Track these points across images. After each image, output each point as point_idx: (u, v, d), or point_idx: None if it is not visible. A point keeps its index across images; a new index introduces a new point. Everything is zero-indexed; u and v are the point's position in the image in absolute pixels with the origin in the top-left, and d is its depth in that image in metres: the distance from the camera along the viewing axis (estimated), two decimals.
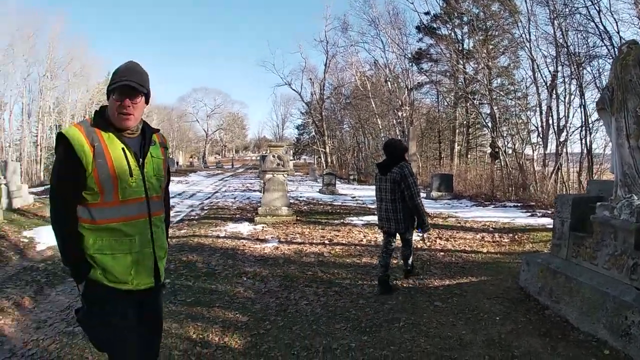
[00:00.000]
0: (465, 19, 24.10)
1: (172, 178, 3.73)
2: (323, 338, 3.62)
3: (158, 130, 2.24)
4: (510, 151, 18.10)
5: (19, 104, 36.07)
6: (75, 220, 1.94)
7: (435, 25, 27.31)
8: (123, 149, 1.96)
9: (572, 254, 4.13)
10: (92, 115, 2.05)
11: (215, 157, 73.27)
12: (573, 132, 15.03)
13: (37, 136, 37.08)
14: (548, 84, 15.74)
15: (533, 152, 17.07)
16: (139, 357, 2.10)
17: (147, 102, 2.09)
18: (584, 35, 13.98)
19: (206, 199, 16.02)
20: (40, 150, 36.12)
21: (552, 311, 4.02)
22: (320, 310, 4.29)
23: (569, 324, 3.74)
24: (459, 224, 9.36)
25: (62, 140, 1.90)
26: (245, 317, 4.11)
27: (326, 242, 7.64)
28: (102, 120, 2.00)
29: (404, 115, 27.41)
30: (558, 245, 4.37)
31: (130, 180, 1.95)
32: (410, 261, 5.37)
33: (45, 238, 7.90)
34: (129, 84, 1.93)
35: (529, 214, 10.66)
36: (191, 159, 58.45)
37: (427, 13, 27.58)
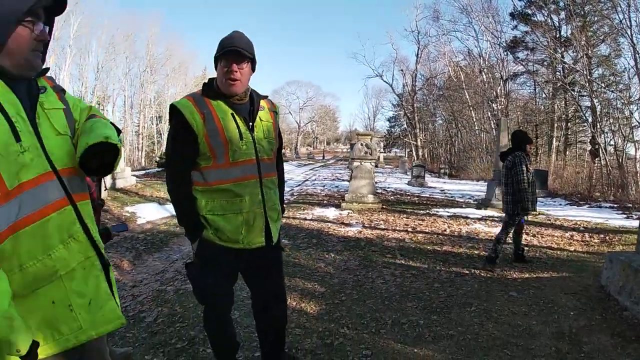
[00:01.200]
0: (561, 3, 22.42)
1: None
2: (393, 313, 3.83)
3: (266, 96, 2.32)
4: (611, 149, 16.57)
5: (122, 96, 40.13)
6: (189, 183, 2.12)
7: (530, 12, 25.70)
8: (232, 114, 2.08)
9: None
10: (202, 87, 2.19)
11: (307, 149, 75.22)
12: None
13: (138, 126, 41.19)
14: None
15: (636, 151, 15.49)
16: (264, 308, 2.45)
17: (253, 69, 2.16)
18: None
19: (296, 186, 16.72)
20: (142, 139, 39.87)
21: (630, 312, 3.85)
22: (394, 289, 4.49)
23: None
24: (548, 221, 8.96)
25: (174, 111, 2.06)
26: (322, 288, 4.43)
27: (409, 229, 7.77)
28: (211, 90, 2.12)
29: (499, 107, 26.21)
30: None
31: (240, 143, 2.07)
32: (519, 245, 5.82)
33: (145, 213, 8.96)
34: (234, 48, 2.00)
35: (625, 215, 9.90)
36: (284, 150, 60.51)
37: None
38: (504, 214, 5.75)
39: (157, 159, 25.68)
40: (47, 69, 1.47)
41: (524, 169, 5.24)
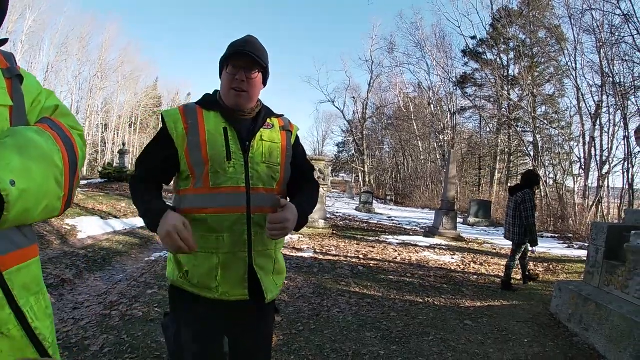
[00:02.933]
0: (511, 44, 24.04)
1: None
2: (353, 344, 3.78)
3: (281, 115, 1.90)
4: (551, 182, 17.75)
5: (68, 100, 38.45)
6: (153, 189, 1.71)
7: (481, 50, 27.40)
8: (225, 128, 1.66)
9: (605, 282, 4.15)
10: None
11: None
12: (616, 164, 14.68)
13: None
14: (592, 114, 15.45)
15: (574, 184, 16.69)
16: None
17: (264, 83, 1.81)
18: (630, 65, 13.75)
19: None
20: (86, 147, 38.35)
21: (580, 338, 4.05)
22: (351, 318, 4.45)
23: (595, 351, 3.77)
24: (494, 250, 9.35)
25: (162, 120, 1.70)
26: (278, 317, 4.33)
27: (361, 256, 7.80)
28: (210, 99, 1.76)
29: (446, 139, 27.37)
30: (591, 273, 4.39)
31: (226, 164, 1.62)
32: (526, 269, 6.58)
33: (86, 227, 8.49)
34: (246, 52, 1.65)
35: (566, 245, 10.54)
36: None
37: (473, 37, 27.77)
38: (452, 243, 6.37)
39: (100, 168, 24.39)
40: (5, 40, 1.01)
41: (532, 205, 5.96)
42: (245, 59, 1.66)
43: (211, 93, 1.81)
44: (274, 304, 1.86)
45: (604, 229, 4.35)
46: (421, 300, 5.21)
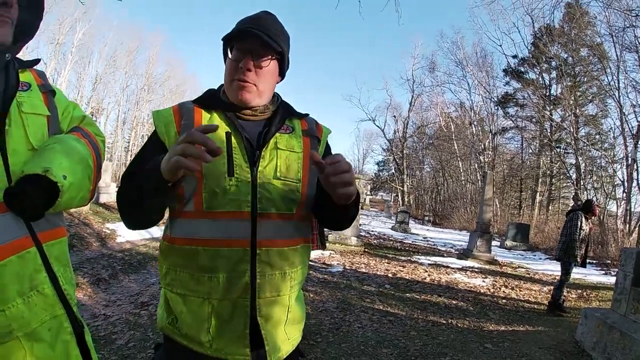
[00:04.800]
0: (553, 63, 23.44)
1: None
2: (368, 358, 3.82)
3: (306, 114, 1.46)
4: None
5: (116, 111, 40.34)
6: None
7: (522, 69, 26.86)
8: (228, 133, 1.23)
9: (631, 310, 4.01)
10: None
11: None
12: None
13: (128, 142, 41.26)
14: (634, 135, 14.83)
15: (617, 208, 15.95)
16: None
17: (281, 74, 1.39)
18: None
19: None
20: (130, 156, 40.05)
21: None
22: (371, 334, 4.48)
23: None
24: (527, 275, 9.10)
25: (154, 122, 1.35)
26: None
27: (390, 275, 7.78)
28: (210, 96, 1.38)
29: (486, 159, 26.82)
30: (618, 301, 4.24)
31: (226, 181, 1.21)
32: (559, 294, 6.32)
33: (125, 232, 8.92)
34: (253, 31, 1.25)
35: (603, 272, 10.12)
36: None
37: (514, 56, 27.31)
38: (485, 265, 6.36)
39: None
40: (37, 60, 1.16)
41: (579, 224, 6.26)
42: (252, 41, 1.26)
43: (216, 88, 1.42)
44: (297, 353, 1.44)
45: (632, 255, 4.21)
46: (444, 322, 5.16)
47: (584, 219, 6.31)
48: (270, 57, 1.28)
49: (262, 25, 1.27)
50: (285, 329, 1.31)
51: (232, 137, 1.23)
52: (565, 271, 6.37)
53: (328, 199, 1.22)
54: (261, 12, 1.36)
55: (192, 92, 47.36)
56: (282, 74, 1.39)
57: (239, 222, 1.20)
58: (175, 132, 1.26)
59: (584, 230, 6.26)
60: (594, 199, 17.43)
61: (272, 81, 1.34)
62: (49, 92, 1.16)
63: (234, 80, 1.27)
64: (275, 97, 1.41)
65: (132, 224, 1.26)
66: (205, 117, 1.29)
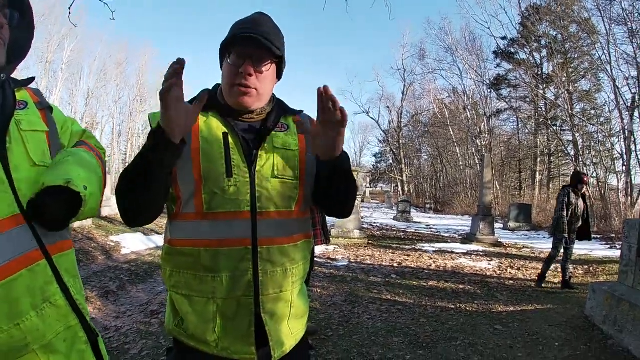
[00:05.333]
0: (543, 42, 23.43)
1: None
2: (380, 348, 3.84)
3: (300, 111, 1.47)
4: (593, 181, 17.09)
5: (110, 124, 40.37)
6: None
7: (512, 50, 26.80)
8: (226, 134, 1.27)
9: (639, 281, 4.02)
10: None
11: None
12: None
13: (125, 154, 41.30)
14: (629, 107, 14.89)
15: (618, 182, 16.00)
16: None
17: (279, 75, 1.39)
18: None
19: None
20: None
21: (614, 341, 3.94)
22: (380, 324, 4.50)
23: (630, 354, 3.67)
24: (532, 255, 9.14)
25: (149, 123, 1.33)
26: (309, 323, 4.43)
27: (395, 265, 7.81)
28: (210, 98, 1.28)
29: (483, 143, 26.85)
30: (625, 273, 4.27)
31: (225, 182, 1.23)
32: (545, 268, 6.54)
33: (130, 243, 8.92)
34: (254, 36, 1.24)
35: (609, 246, 10.16)
36: None
37: (504, 38, 27.28)
38: (490, 248, 6.44)
39: None
40: (32, 79, 1.18)
41: (565, 200, 6.23)
42: (253, 46, 1.26)
43: (210, 88, 1.39)
44: (305, 345, 1.50)
45: (636, 226, 4.23)
46: (453, 306, 5.19)
47: (572, 193, 6.29)
48: (270, 61, 1.29)
49: (261, 29, 1.28)
50: (289, 324, 1.34)
51: (230, 138, 1.27)
52: (554, 247, 6.43)
53: (322, 169, 1.30)
54: (256, 14, 1.36)
55: (186, 98, 47.23)
56: (279, 76, 1.40)
57: (239, 222, 1.23)
58: None
59: (572, 204, 6.24)
60: (595, 173, 17.50)
61: (272, 84, 1.35)
62: (46, 109, 1.19)
63: (235, 86, 1.27)
64: (272, 98, 1.41)
65: (133, 212, 1.23)
66: (201, 118, 1.29)
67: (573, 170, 17.52)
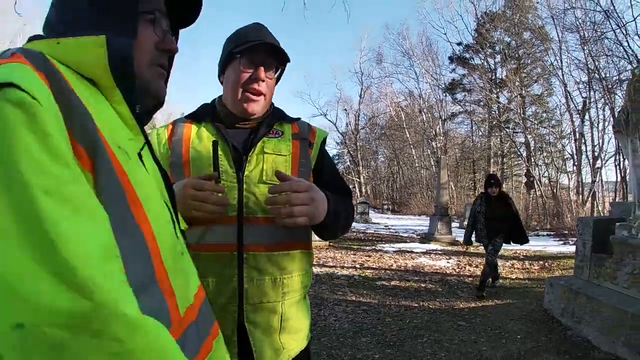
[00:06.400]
0: (497, 48, 24.36)
1: None
2: (349, 349, 3.83)
3: (297, 119, 1.44)
4: (545, 180, 17.95)
5: None
6: None
7: (467, 55, 27.64)
8: (215, 142, 1.25)
9: (594, 274, 4.23)
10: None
11: None
12: (607, 159, 14.91)
13: None
14: (580, 111, 15.77)
15: (569, 181, 16.88)
16: None
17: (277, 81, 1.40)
18: (614, 60, 14.08)
19: None
20: None
21: (573, 331, 4.10)
22: (347, 325, 4.49)
23: (589, 343, 3.82)
24: None
25: None
26: None
27: (357, 266, 7.84)
28: (202, 109, 1.40)
29: (438, 145, 27.54)
30: (580, 267, 4.47)
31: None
32: (483, 277, 5.97)
33: None
34: (268, 42, 1.26)
35: (562, 242, 10.64)
36: None
37: (459, 43, 28.03)
38: (448, 247, 6.58)
39: None
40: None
41: (474, 208, 6.10)
42: (265, 53, 1.28)
43: (209, 102, 1.43)
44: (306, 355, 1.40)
45: (589, 223, 4.43)
46: (416, 305, 5.26)
47: (483, 199, 6.03)
48: (277, 68, 1.33)
49: (269, 37, 1.30)
50: (280, 338, 1.27)
51: (219, 145, 1.25)
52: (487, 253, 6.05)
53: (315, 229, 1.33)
54: (256, 24, 1.37)
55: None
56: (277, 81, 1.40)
57: (226, 227, 1.22)
58: (167, 149, 1.31)
59: (482, 212, 5.95)
60: (547, 173, 18.33)
61: (272, 93, 1.37)
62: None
63: (247, 91, 1.27)
64: (271, 105, 1.41)
65: None
66: (193, 130, 1.32)
67: (531, 173, 18.37)
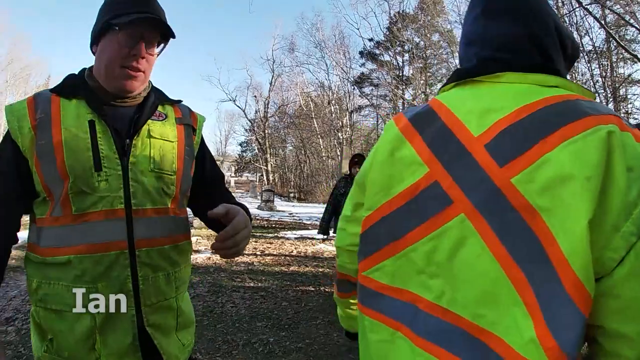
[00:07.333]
0: (406, 47, 25.65)
1: None
2: (244, 334, 3.95)
3: (179, 101, 1.34)
4: None
5: None
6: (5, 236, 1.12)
7: (377, 52, 28.84)
8: (92, 122, 1.10)
9: None
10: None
11: None
12: None
13: None
14: None
15: None
16: None
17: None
18: None
19: None
20: None
21: None
22: (244, 311, 4.61)
23: None
24: None
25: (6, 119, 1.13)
26: None
27: (257, 253, 7.97)
28: (71, 82, 1.19)
29: (345, 136, 28.42)
30: None
31: (94, 177, 1.08)
32: None
33: None
34: (151, 17, 1.13)
35: None
36: None
37: (370, 39, 29.14)
38: None
39: None
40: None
41: (335, 191, 5.56)
42: (148, 27, 1.14)
43: (76, 73, 1.23)
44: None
45: None
46: (313, 289, 5.51)
47: (349, 180, 5.35)
48: (159, 42, 1.20)
49: (155, 9, 1.16)
50: (178, 335, 1.22)
51: (97, 126, 1.10)
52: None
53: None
54: None
55: (37, 76, 41.35)
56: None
57: (113, 222, 1.08)
58: (30, 127, 1.09)
59: (345, 193, 5.02)
60: None
61: (151, 68, 1.23)
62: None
63: (124, 68, 1.13)
64: (148, 82, 1.27)
65: None
66: (63, 106, 1.12)
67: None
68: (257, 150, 45.68)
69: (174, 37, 1.20)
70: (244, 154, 58.27)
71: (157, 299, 1.15)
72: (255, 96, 41.13)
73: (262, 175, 43.02)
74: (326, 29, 36.03)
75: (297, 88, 35.78)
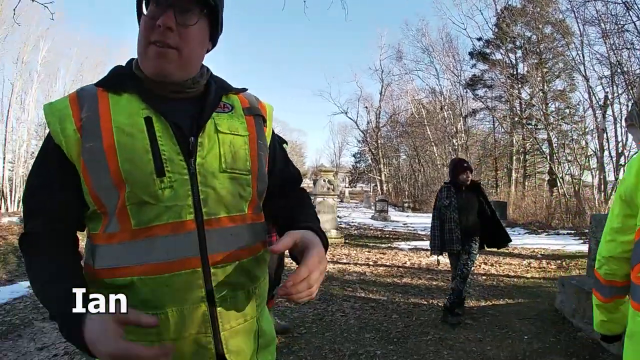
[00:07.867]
0: (518, 43, 23.95)
1: None
2: (351, 344, 3.87)
3: (244, 89, 1.14)
4: (568, 178, 17.58)
5: None
6: (58, 251, 0.95)
7: (488, 51, 27.32)
8: (149, 118, 0.93)
9: None
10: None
11: None
12: (632, 155, 14.52)
13: None
14: (601, 106, 15.40)
15: (592, 178, 16.50)
16: None
17: (213, 38, 1.05)
18: (635, 52, 13.72)
19: None
20: None
21: (584, 333, 4.04)
22: (353, 321, 4.53)
23: (599, 346, 3.74)
24: (506, 250, 9.26)
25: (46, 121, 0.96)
26: (283, 322, 4.46)
27: (370, 263, 7.88)
28: (118, 73, 1.02)
29: (460, 142, 27.23)
30: (593, 267, 4.39)
31: (156, 184, 0.91)
32: (455, 295, 4.62)
33: None
34: None
35: (582, 241, 10.40)
36: None
37: (479, 39, 27.74)
38: None
39: None
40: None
41: (441, 203, 4.67)
42: None
43: (124, 65, 1.05)
44: None
45: (602, 221, 4.35)
46: (425, 302, 5.27)
47: (452, 190, 4.66)
48: (197, 11, 0.95)
49: None
50: (258, 357, 1.08)
51: (155, 124, 0.93)
52: (452, 266, 4.78)
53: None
54: None
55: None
56: (213, 40, 1.06)
57: (182, 237, 0.92)
58: (74, 128, 0.92)
59: (452, 205, 4.54)
60: (569, 170, 17.88)
61: (201, 47, 1.01)
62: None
63: (150, 45, 0.93)
64: (205, 69, 1.07)
65: None
66: (112, 102, 0.94)
67: (553, 170, 17.82)
68: (370, 161, 45.85)
69: (210, 5, 0.96)
70: (358, 164, 58.85)
71: (237, 322, 1.00)
72: (366, 107, 41.43)
73: (375, 185, 43.01)
74: (432, 33, 34.89)
75: (408, 96, 35.25)
